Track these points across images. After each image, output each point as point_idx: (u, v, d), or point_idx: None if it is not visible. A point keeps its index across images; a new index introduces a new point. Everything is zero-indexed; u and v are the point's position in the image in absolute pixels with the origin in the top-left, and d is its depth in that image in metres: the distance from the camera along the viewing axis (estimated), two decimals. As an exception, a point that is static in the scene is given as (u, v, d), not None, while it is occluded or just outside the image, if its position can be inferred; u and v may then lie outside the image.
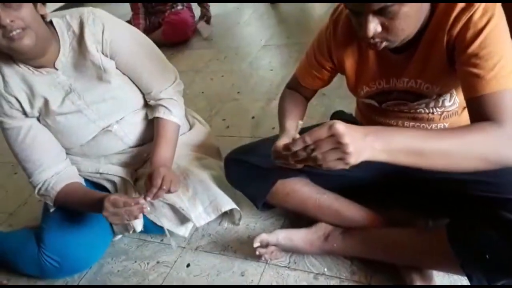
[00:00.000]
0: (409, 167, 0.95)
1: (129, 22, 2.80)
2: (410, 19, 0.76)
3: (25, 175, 1.24)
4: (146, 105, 1.29)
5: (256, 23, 2.85)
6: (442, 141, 0.72)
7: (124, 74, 1.21)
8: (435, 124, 0.97)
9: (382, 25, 0.76)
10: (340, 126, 0.66)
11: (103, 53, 1.15)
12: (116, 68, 1.19)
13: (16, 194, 1.83)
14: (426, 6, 0.79)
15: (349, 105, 1.63)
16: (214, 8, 3.30)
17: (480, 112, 0.75)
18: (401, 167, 1.01)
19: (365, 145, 0.68)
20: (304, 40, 2.38)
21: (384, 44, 0.81)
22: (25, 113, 1.16)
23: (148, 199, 1.10)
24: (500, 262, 0.79)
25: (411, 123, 0.99)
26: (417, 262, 0.99)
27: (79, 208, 1.22)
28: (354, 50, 0.97)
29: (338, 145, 0.67)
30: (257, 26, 2.81)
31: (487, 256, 0.80)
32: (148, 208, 1.10)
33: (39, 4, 1.06)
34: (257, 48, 2.49)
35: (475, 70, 0.75)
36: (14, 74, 1.13)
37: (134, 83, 1.24)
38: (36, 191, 1.22)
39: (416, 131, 0.75)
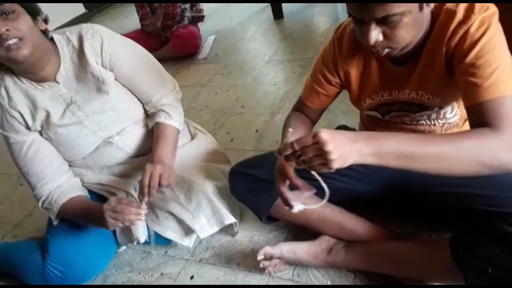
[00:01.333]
0: (412, 180, 0.97)
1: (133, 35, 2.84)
2: (411, 28, 0.79)
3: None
4: (147, 116, 1.32)
5: (260, 39, 2.89)
6: (434, 145, 0.74)
7: (123, 85, 1.24)
8: None
9: (384, 33, 0.79)
10: (324, 135, 0.71)
11: (102, 65, 1.18)
12: (116, 79, 1.22)
13: (21, 205, 1.85)
14: (426, 17, 0.82)
15: (352, 119, 1.66)
16: (219, 23, 3.36)
17: (479, 119, 0.77)
18: (404, 181, 1.03)
19: (352, 150, 0.72)
20: (307, 56, 2.42)
21: (386, 51, 0.84)
22: (28, 127, 1.19)
23: (145, 199, 1.10)
24: (502, 275, 0.80)
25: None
26: (420, 275, 1.00)
27: (81, 221, 1.23)
28: (359, 63, 1.00)
29: (321, 152, 0.71)
30: (261, 42, 2.85)
31: (489, 270, 0.81)
32: (144, 218, 1.10)
33: (39, 20, 1.10)
34: (261, 63, 2.53)
35: (473, 79, 0.78)
36: (17, 90, 1.17)
37: (134, 94, 1.27)
38: (40, 204, 1.24)
39: (408, 135, 0.76)
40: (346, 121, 1.60)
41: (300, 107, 1.17)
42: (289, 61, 2.46)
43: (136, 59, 1.26)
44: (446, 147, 0.74)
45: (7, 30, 1.01)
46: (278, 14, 3.11)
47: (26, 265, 1.29)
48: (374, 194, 1.09)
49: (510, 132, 0.74)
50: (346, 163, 0.73)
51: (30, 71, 1.14)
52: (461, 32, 0.79)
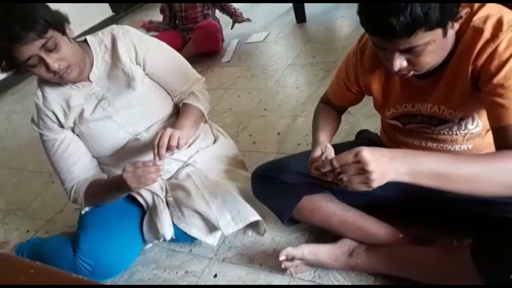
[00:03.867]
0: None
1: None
2: (435, 54, 0.80)
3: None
4: (176, 114, 1.37)
5: (283, 42, 2.92)
6: (468, 166, 0.75)
7: (154, 80, 1.30)
8: (458, 145, 0.99)
9: (408, 60, 0.80)
10: (366, 154, 0.72)
11: (136, 62, 1.26)
12: (147, 74, 1.28)
13: (53, 202, 1.93)
14: (450, 40, 0.82)
15: (374, 124, 1.67)
16: (242, 27, 3.40)
17: (506, 141, 0.78)
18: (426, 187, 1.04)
19: (390, 169, 0.74)
20: (330, 60, 2.44)
21: (411, 74, 0.85)
22: (60, 125, 1.26)
23: (156, 161, 1.11)
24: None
25: (434, 144, 1.01)
26: (440, 280, 1.00)
27: (106, 195, 1.27)
28: (380, 76, 1.01)
29: (363, 171, 0.73)
30: (283, 45, 2.88)
31: (511, 276, 0.81)
32: (163, 168, 1.12)
33: (67, 30, 1.14)
34: (283, 66, 2.56)
35: (500, 100, 0.78)
36: (52, 90, 1.24)
37: (164, 88, 1.33)
38: (68, 196, 1.31)
39: (442, 155, 0.77)
40: (368, 126, 1.61)
41: (327, 101, 1.22)
42: (311, 65, 2.47)
43: (165, 54, 1.34)
44: (480, 168, 0.75)
45: (58, 66, 1.10)
46: (300, 18, 3.13)
47: (58, 259, 1.36)
48: (396, 198, 1.10)
49: None
50: (384, 181, 0.74)
51: None
52: (488, 51, 0.78)
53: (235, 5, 3.10)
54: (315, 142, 1.07)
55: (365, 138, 1.34)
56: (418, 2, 0.70)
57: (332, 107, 1.21)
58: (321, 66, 2.40)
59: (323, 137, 1.07)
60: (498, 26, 0.78)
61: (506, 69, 0.77)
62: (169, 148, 1.13)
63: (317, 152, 0.96)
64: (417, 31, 0.73)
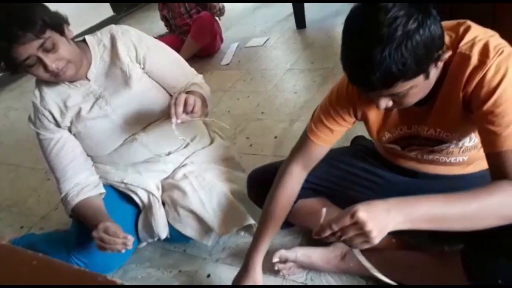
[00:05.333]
0: (426, 192, 1.00)
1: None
2: (418, 94, 0.81)
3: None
4: None
5: (282, 47, 2.95)
6: (461, 207, 0.76)
7: (153, 78, 1.31)
8: (454, 157, 1.00)
9: (393, 100, 0.82)
10: (362, 214, 0.73)
11: (136, 60, 1.27)
12: (146, 72, 1.29)
13: (48, 198, 1.94)
14: (435, 76, 0.82)
15: (370, 130, 1.68)
16: (242, 31, 3.43)
17: (498, 168, 0.79)
18: (418, 193, 1.05)
19: (388, 221, 0.75)
20: (328, 66, 2.46)
21: (396, 109, 0.87)
22: (57, 124, 1.27)
23: (173, 120, 1.07)
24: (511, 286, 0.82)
25: (430, 156, 1.02)
26: (431, 285, 1.02)
27: (87, 224, 1.26)
28: None
29: (362, 231, 0.74)
30: (283, 50, 2.90)
31: (499, 282, 0.83)
32: (130, 247, 1.12)
33: (66, 31, 1.14)
34: (282, 71, 2.58)
35: (491, 127, 0.79)
36: (50, 90, 1.25)
37: (163, 86, 1.33)
38: (61, 198, 1.32)
39: (436, 198, 0.78)
40: (363, 132, 1.62)
41: (301, 148, 1.10)
42: (309, 70, 2.50)
43: (165, 53, 1.36)
44: (474, 206, 0.76)
45: (56, 65, 1.10)
46: (300, 23, 3.16)
47: (52, 255, 1.35)
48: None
49: None
50: (384, 234, 0.75)
51: None
52: (477, 78, 0.79)
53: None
54: (248, 259, 1.09)
55: (360, 145, 1.36)
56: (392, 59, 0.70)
57: (305, 159, 1.10)
58: (319, 72, 2.42)
59: (261, 254, 1.09)
60: (485, 52, 0.78)
61: (496, 96, 0.77)
62: (185, 108, 1.07)
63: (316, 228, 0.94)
64: (395, 83, 0.74)
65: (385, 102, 0.82)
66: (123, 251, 1.12)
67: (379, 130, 1.05)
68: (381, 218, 0.74)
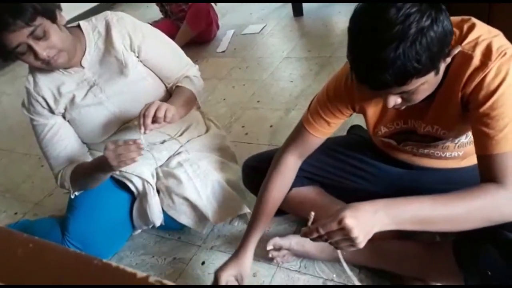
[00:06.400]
0: (420, 183, 1.01)
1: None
2: (428, 90, 0.81)
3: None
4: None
5: (279, 35, 2.92)
6: (448, 209, 0.78)
7: (148, 67, 1.29)
8: (449, 152, 1.00)
9: (402, 97, 0.81)
10: (349, 220, 0.75)
11: (131, 48, 1.25)
12: (141, 61, 1.28)
13: (42, 185, 1.93)
14: (441, 73, 0.81)
15: (366, 120, 1.68)
16: (238, 18, 3.39)
17: (488, 170, 0.80)
18: (412, 183, 1.06)
19: (374, 224, 0.77)
20: (325, 55, 2.45)
21: (404, 107, 0.86)
22: (51, 111, 1.26)
23: (141, 131, 1.09)
24: (499, 278, 0.84)
25: (426, 150, 1.03)
26: (422, 274, 1.03)
27: (90, 176, 1.25)
28: (377, 98, 0.97)
29: (347, 237, 0.76)
30: (279, 38, 2.88)
31: (488, 273, 0.84)
32: (145, 146, 1.11)
33: (58, 17, 1.12)
34: (278, 59, 2.56)
35: (485, 130, 0.79)
36: (44, 76, 1.24)
37: (158, 75, 1.32)
38: (56, 181, 1.31)
39: (422, 200, 0.79)
40: (359, 121, 1.63)
41: (296, 138, 1.10)
42: (306, 59, 2.48)
43: (160, 41, 1.34)
44: (458, 209, 0.77)
45: (47, 53, 1.09)
46: (298, 11, 3.13)
47: (47, 240, 1.36)
48: (383, 194, 1.11)
49: None
50: (370, 237, 0.78)
51: None
52: (477, 79, 0.79)
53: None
54: (241, 245, 1.11)
55: (356, 134, 1.36)
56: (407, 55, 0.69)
57: (300, 149, 1.10)
58: (316, 61, 2.41)
59: (253, 240, 1.10)
60: (487, 54, 0.78)
61: (493, 100, 0.77)
62: (155, 120, 1.09)
63: (230, 272, 1.05)
64: (409, 80, 0.73)
65: (394, 100, 0.81)
66: (138, 158, 1.10)
67: (376, 124, 1.05)
68: (368, 222, 0.76)
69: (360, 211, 0.77)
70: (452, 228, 0.80)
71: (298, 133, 1.10)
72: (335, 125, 1.07)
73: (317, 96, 1.08)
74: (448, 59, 0.78)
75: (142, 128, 1.09)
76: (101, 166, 1.15)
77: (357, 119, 1.75)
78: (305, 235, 0.83)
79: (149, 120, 1.08)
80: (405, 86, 0.75)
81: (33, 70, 1.24)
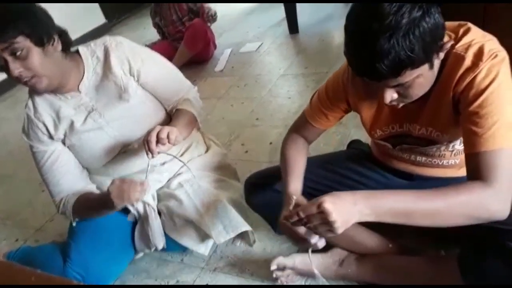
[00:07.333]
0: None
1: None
2: (424, 84, 0.82)
3: (50, 194, 1.32)
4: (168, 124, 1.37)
5: (276, 53, 2.95)
6: (428, 203, 0.78)
7: (147, 90, 1.30)
8: (446, 160, 1.00)
9: (398, 92, 0.82)
10: (328, 205, 0.76)
11: (130, 73, 1.26)
12: (140, 85, 1.28)
13: (43, 210, 1.92)
14: (436, 68, 0.83)
15: (365, 134, 1.66)
16: (235, 36, 3.43)
17: (475, 168, 0.80)
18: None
19: (353, 214, 0.78)
20: (322, 70, 2.47)
21: (401, 104, 0.87)
22: (50, 137, 1.26)
23: (148, 156, 1.11)
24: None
25: (423, 158, 1.03)
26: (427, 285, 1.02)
27: (93, 211, 1.25)
28: (370, 98, 1.00)
29: (326, 221, 0.77)
30: (276, 56, 2.91)
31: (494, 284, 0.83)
32: (150, 185, 1.10)
33: (53, 43, 1.13)
34: (276, 76, 2.58)
35: (474, 128, 0.80)
36: (43, 101, 1.24)
37: (158, 98, 1.32)
38: (57, 209, 1.30)
39: (404, 193, 0.80)
40: (359, 136, 1.63)
41: (301, 126, 1.17)
42: (303, 75, 2.51)
43: (159, 64, 1.35)
44: (439, 204, 0.78)
45: (20, 73, 1.08)
46: (293, 28, 3.17)
47: (48, 268, 1.34)
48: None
49: (501, 185, 0.77)
50: (349, 225, 0.79)
51: (53, 90, 1.22)
52: (468, 79, 0.80)
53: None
54: (284, 193, 1.07)
55: (356, 149, 1.36)
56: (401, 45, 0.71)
57: (304, 135, 1.16)
58: (313, 77, 2.43)
59: (293, 186, 1.06)
60: (479, 55, 0.79)
61: (482, 98, 0.79)
62: (159, 141, 1.10)
63: (286, 211, 0.98)
64: (403, 71, 0.75)
65: (391, 94, 0.82)
66: (143, 197, 1.10)
67: (371, 127, 1.06)
68: (346, 210, 0.77)
69: (340, 198, 0.78)
70: (433, 223, 0.79)
71: (302, 124, 1.17)
72: (334, 119, 1.12)
73: (318, 91, 1.13)
74: (442, 55, 0.80)
75: (149, 154, 1.10)
76: (105, 201, 1.13)
77: (356, 134, 1.76)
78: (285, 218, 0.84)
79: (153, 145, 1.09)
80: (400, 77, 0.76)
81: (32, 94, 1.25)
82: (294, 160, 1.11)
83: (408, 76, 0.76)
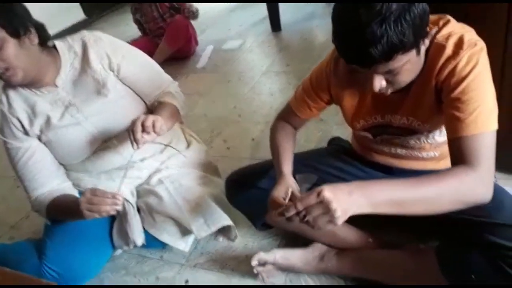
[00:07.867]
0: None
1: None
2: (411, 71, 0.84)
3: (25, 191, 1.29)
4: None
5: (258, 50, 2.95)
6: (422, 190, 0.78)
7: (127, 85, 1.28)
8: (425, 152, 1.02)
9: (387, 80, 0.83)
10: (327, 193, 0.74)
11: (109, 68, 1.24)
12: (120, 79, 1.26)
13: (18, 207, 1.86)
14: (423, 56, 0.84)
15: (346, 131, 1.69)
16: (217, 34, 3.41)
17: (458, 153, 0.82)
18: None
19: (351, 203, 0.76)
20: (303, 68, 2.47)
21: (389, 91, 0.88)
22: (26, 133, 1.22)
23: (133, 147, 1.08)
24: (484, 282, 0.84)
25: (403, 151, 1.04)
26: (407, 282, 1.03)
27: (65, 216, 1.24)
28: (353, 89, 1.02)
29: (327, 210, 0.74)
30: (258, 53, 2.91)
31: (473, 277, 0.85)
32: (120, 207, 1.07)
33: (26, 39, 1.11)
34: (258, 74, 2.58)
35: (456, 113, 0.82)
36: (17, 96, 1.21)
37: (138, 93, 1.30)
38: (31, 206, 1.27)
39: (397, 182, 0.80)
40: (340, 133, 1.64)
41: (286, 115, 1.19)
42: (285, 73, 2.51)
43: (139, 59, 1.33)
44: (433, 191, 0.78)
45: None
46: (276, 26, 3.18)
47: (23, 265, 1.31)
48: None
49: (484, 168, 0.79)
50: (347, 216, 0.76)
51: (29, 84, 1.19)
52: (449, 67, 0.82)
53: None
54: (279, 174, 1.06)
55: (337, 145, 1.37)
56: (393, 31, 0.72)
57: (291, 123, 1.19)
58: (294, 75, 2.44)
59: (287, 167, 1.06)
60: (459, 44, 0.81)
61: (464, 85, 0.81)
62: (144, 129, 1.07)
63: (281, 192, 0.97)
64: (395, 55, 0.76)
65: (380, 82, 0.83)
66: (113, 212, 1.07)
67: (353, 118, 1.07)
68: (345, 199, 0.76)
69: (337, 188, 0.76)
70: (428, 211, 0.80)
71: (286, 113, 1.19)
72: (316, 110, 1.14)
73: (302, 82, 1.14)
74: (427, 42, 0.82)
75: (134, 144, 1.07)
76: (75, 210, 1.10)
77: (337, 131, 1.77)
78: (281, 214, 0.80)
79: (138, 135, 1.06)
80: (392, 61, 0.77)
81: (6, 90, 1.21)
82: (285, 143, 1.13)
83: (399, 61, 0.77)
